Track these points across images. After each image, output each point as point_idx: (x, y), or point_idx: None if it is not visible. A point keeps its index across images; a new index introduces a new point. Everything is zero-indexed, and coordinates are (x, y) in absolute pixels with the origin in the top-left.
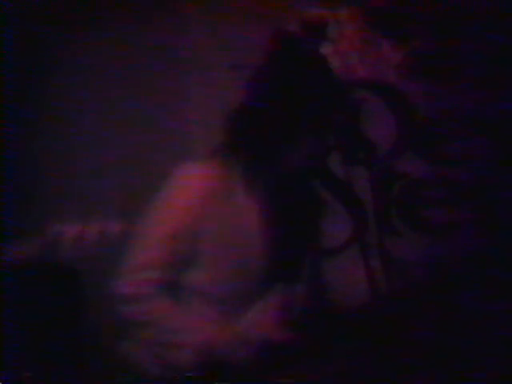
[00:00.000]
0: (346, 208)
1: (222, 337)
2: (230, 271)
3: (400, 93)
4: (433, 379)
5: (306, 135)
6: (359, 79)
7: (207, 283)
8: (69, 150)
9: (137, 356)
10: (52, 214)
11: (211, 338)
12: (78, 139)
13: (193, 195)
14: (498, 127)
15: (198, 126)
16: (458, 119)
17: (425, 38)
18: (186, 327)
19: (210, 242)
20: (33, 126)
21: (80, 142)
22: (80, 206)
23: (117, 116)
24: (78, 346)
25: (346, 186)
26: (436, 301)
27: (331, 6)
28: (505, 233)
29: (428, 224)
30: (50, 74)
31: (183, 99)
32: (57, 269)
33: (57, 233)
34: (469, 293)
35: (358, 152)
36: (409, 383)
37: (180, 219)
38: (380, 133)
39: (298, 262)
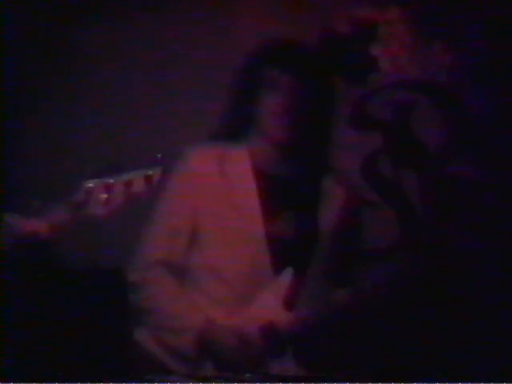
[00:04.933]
0: (395, 211)
1: (224, 321)
2: (231, 251)
3: (451, 94)
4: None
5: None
6: (409, 80)
7: (213, 262)
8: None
9: (147, 343)
10: (78, 174)
11: (211, 323)
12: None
13: (191, 178)
14: None
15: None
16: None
17: (476, 39)
18: (187, 311)
19: (209, 221)
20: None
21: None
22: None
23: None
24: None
25: (395, 188)
26: None
27: (381, 6)
28: None
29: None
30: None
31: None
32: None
33: (85, 191)
34: None
35: (408, 154)
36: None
37: (180, 200)
38: (431, 134)
39: (305, 248)
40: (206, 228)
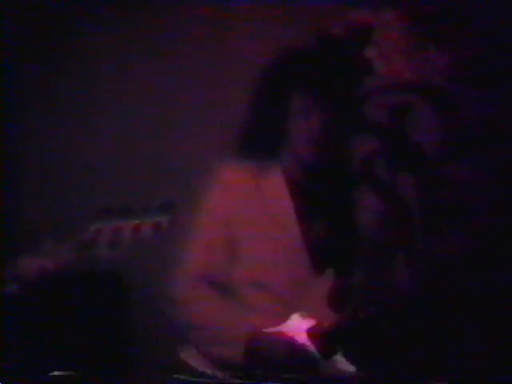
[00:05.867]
0: (392, 213)
1: (270, 330)
2: (271, 260)
3: (447, 96)
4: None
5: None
6: (404, 82)
7: (254, 272)
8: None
9: (192, 357)
10: (87, 214)
11: (257, 333)
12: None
13: (231, 192)
14: None
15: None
16: (506, 123)
17: (471, 42)
18: (234, 323)
19: (246, 232)
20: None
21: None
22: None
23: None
24: (121, 348)
25: (392, 191)
26: None
27: (376, 9)
28: None
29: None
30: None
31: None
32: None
33: (93, 232)
34: None
35: (404, 157)
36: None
37: (222, 218)
38: (426, 137)
39: (344, 252)
40: (243, 240)
